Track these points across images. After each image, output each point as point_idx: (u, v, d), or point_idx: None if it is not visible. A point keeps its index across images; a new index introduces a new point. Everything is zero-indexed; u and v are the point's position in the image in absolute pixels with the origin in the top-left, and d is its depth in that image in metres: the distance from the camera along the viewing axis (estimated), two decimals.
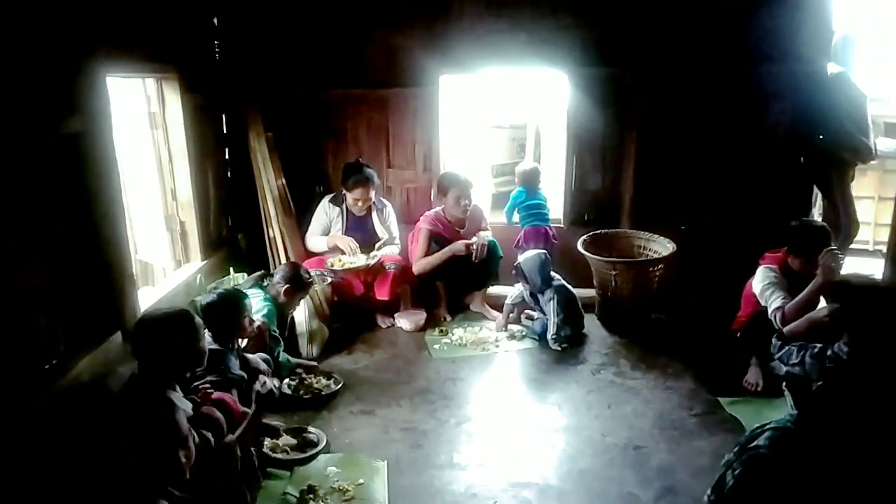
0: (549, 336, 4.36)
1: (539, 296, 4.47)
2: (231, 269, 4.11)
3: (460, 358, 4.27)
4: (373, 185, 4.70)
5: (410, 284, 4.86)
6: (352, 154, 5.20)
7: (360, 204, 4.68)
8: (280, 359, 3.69)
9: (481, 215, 5.02)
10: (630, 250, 4.91)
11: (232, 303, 3.26)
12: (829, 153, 4.93)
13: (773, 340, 3.22)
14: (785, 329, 3.26)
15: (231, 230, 4.93)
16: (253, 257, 4.84)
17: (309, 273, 4.00)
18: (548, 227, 5.05)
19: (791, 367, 3.04)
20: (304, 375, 3.84)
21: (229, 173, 4.96)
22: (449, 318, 4.85)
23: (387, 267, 4.65)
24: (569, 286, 4.52)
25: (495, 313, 4.81)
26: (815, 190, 5.20)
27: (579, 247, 4.74)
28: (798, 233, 3.64)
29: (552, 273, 4.49)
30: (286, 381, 3.75)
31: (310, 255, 4.82)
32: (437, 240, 4.72)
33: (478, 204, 4.99)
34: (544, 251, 4.48)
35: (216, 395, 2.76)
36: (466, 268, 4.75)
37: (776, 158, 5.00)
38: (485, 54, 4.93)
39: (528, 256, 4.44)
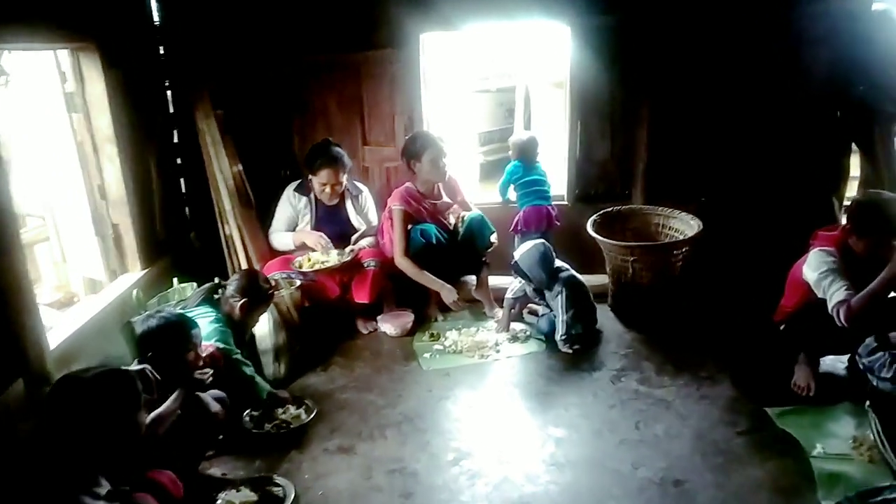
0: (558, 337, 3.72)
1: (546, 291, 3.82)
2: (175, 279, 3.42)
3: (455, 369, 3.63)
4: (343, 167, 4.02)
5: (393, 280, 4.20)
6: (321, 131, 4.51)
7: (327, 190, 4.00)
8: (256, 384, 3.09)
9: (457, 185, 4.34)
10: (647, 229, 4.26)
11: (173, 333, 2.62)
12: (870, 105, 4.30)
13: (868, 341, 2.58)
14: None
15: (180, 229, 4.23)
16: (209, 260, 4.16)
17: (269, 282, 3.33)
18: (550, 207, 4.38)
19: (881, 380, 2.40)
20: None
21: (179, 161, 4.25)
22: (441, 318, 4.21)
23: (365, 264, 3.98)
24: (578, 276, 3.86)
25: (497, 310, 4.16)
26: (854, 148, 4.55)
27: (589, 229, 4.07)
28: (863, 209, 2.98)
29: (557, 263, 3.82)
30: (246, 414, 3.10)
31: (275, 253, 4.14)
32: (414, 221, 4.06)
33: (452, 175, 4.31)
34: (542, 241, 3.80)
35: (151, 473, 2.13)
36: (453, 253, 4.09)
37: (810, 114, 4.34)
38: (472, 7, 4.20)
39: (525, 252, 3.77)
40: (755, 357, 3.48)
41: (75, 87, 3.33)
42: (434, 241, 3.97)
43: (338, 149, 4.02)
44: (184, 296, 3.34)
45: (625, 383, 3.40)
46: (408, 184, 4.14)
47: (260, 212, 4.26)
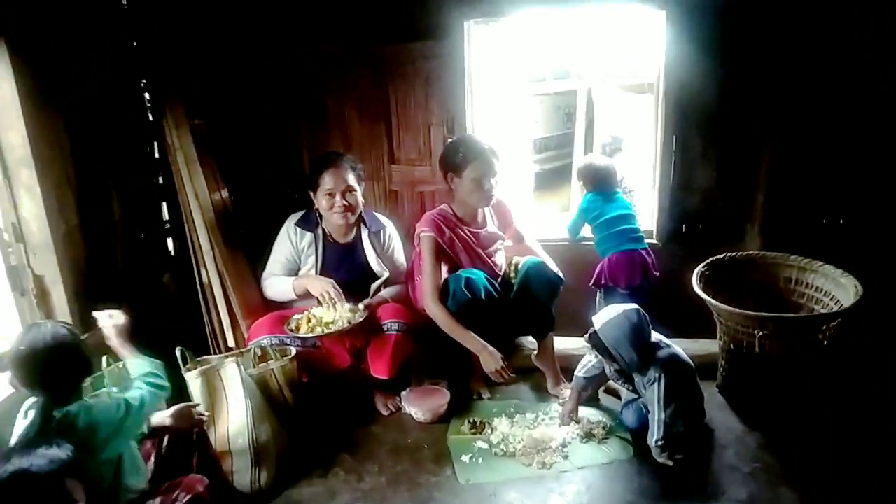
0: (652, 441, 2.60)
1: (635, 375, 2.72)
2: (105, 358, 2.42)
3: (504, 484, 2.56)
4: (350, 166, 3.06)
5: (425, 341, 3.16)
6: (337, 145, 3.52)
7: (338, 206, 2.99)
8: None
9: (509, 213, 3.29)
10: (774, 285, 3.12)
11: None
12: None
13: None
14: None
15: (153, 271, 3.26)
16: (186, 312, 3.19)
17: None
18: (645, 252, 3.28)
19: None
20: None
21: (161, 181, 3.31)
22: (487, 395, 3.15)
23: (384, 327, 2.95)
24: (681, 353, 2.74)
25: (564, 387, 3.09)
26: None
27: (696, 286, 2.95)
28: None
29: (654, 337, 2.72)
30: None
31: (269, 306, 3.15)
32: (447, 256, 3.04)
33: (503, 200, 3.27)
34: (634, 308, 2.68)
35: None
36: (506, 306, 3.03)
37: None
38: None
39: (610, 322, 2.66)
40: None
41: None
42: (483, 296, 2.92)
43: (348, 156, 3.14)
44: (119, 380, 2.36)
45: None
46: (443, 205, 3.12)
47: (254, 252, 3.27)
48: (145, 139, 3.23)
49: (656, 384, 2.62)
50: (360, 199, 3.07)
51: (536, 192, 8.47)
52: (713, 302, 2.83)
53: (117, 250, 3.07)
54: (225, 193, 3.19)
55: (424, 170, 3.56)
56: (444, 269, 3.07)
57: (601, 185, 3.36)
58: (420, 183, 3.58)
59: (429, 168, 3.55)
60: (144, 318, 3.01)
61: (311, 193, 3.05)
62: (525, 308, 3.06)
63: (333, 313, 2.91)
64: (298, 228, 3.09)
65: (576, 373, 2.93)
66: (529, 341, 3.36)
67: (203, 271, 3.03)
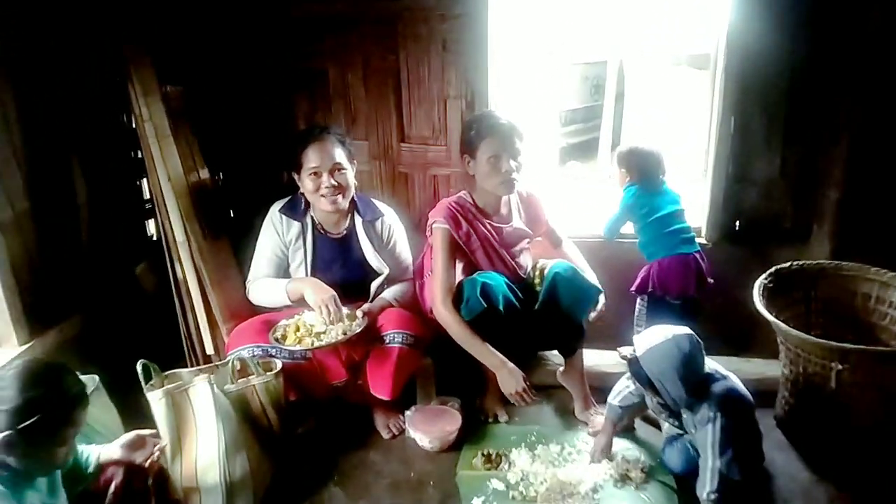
0: (703, 493, 2.13)
1: (683, 411, 2.26)
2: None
3: None
4: (337, 140, 2.60)
5: (436, 351, 2.73)
6: (340, 119, 3.04)
7: (325, 185, 2.53)
8: None
9: (540, 207, 2.83)
10: (848, 302, 2.63)
11: None
12: None
13: None
14: None
15: (122, 262, 2.83)
16: (163, 312, 2.77)
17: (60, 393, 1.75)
18: (699, 256, 2.80)
19: None
20: None
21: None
22: (505, 418, 2.72)
23: (387, 339, 2.51)
24: (739, 386, 2.27)
25: (594, 413, 2.66)
26: None
27: (757, 301, 2.46)
28: None
29: (709, 368, 2.25)
30: None
31: (257, 308, 2.71)
32: (462, 253, 2.61)
33: (533, 191, 2.82)
34: (688, 335, 2.19)
35: None
36: (529, 318, 2.58)
37: None
38: None
39: (656, 349, 2.18)
40: None
41: None
42: (502, 307, 2.47)
43: (334, 127, 2.69)
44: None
45: None
46: (462, 192, 2.66)
47: (242, 242, 2.82)
48: (118, 106, 2.76)
49: (710, 425, 2.16)
50: (352, 181, 2.61)
51: (561, 167, 8.01)
52: (781, 325, 2.35)
53: (82, 238, 2.64)
54: (205, 174, 2.72)
55: (439, 150, 3.07)
56: (459, 267, 2.62)
57: (649, 175, 2.85)
58: (433, 165, 3.10)
59: (444, 148, 3.06)
60: (110, 318, 2.61)
61: (295, 176, 2.60)
62: (551, 321, 2.60)
63: (327, 323, 2.47)
64: (284, 217, 2.64)
65: (609, 400, 2.48)
66: (554, 354, 2.92)
67: (177, 266, 2.59)
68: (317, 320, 2.48)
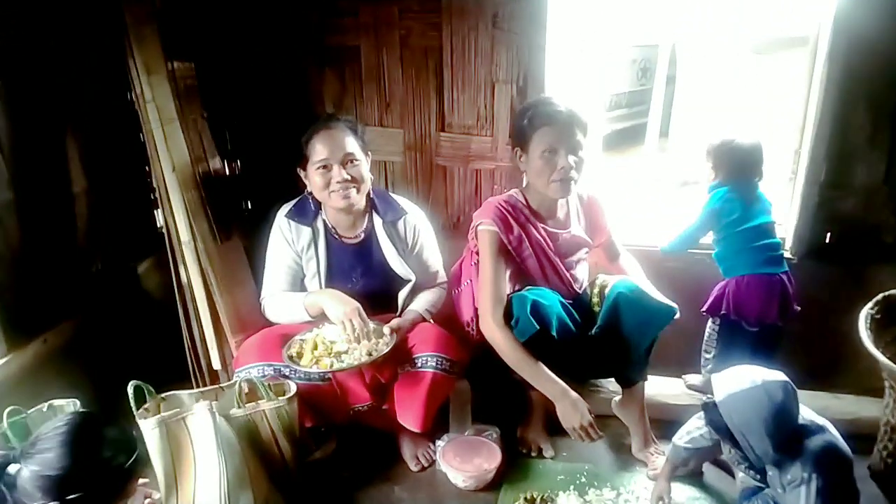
0: None
1: (769, 467, 1.88)
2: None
3: None
4: (354, 134, 2.24)
5: (475, 374, 2.38)
6: (370, 102, 2.70)
7: (335, 174, 2.18)
8: None
9: (600, 212, 2.44)
10: None
11: None
12: None
13: None
14: None
15: (124, 259, 2.52)
16: (169, 315, 2.45)
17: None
18: (786, 277, 2.37)
19: None
20: None
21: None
22: (550, 453, 2.36)
23: (418, 362, 2.16)
24: (838, 441, 1.86)
25: (655, 453, 2.29)
26: None
27: (864, 338, 2.05)
28: None
29: (803, 418, 1.85)
30: None
31: (270, 322, 2.38)
32: (513, 261, 2.23)
33: (595, 194, 2.44)
34: (782, 382, 1.78)
35: None
36: (585, 343, 2.20)
37: None
38: None
39: (741, 395, 1.77)
40: None
41: None
42: (555, 331, 2.10)
43: (343, 115, 2.35)
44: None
45: None
46: (514, 191, 2.30)
47: (259, 241, 2.48)
48: (121, 82, 2.43)
49: (804, 487, 1.78)
50: (367, 174, 2.25)
51: (604, 154, 7.60)
52: (891, 366, 1.94)
53: (77, 233, 2.33)
54: (216, 163, 2.39)
55: (483, 141, 2.70)
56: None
57: (745, 175, 2.36)
58: (476, 158, 2.73)
59: (489, 139, 2.69)
60: (105, 325, 2.30)
61: (302, 173, 2.25)
62: (610, 348, 2.22)
63: (349, 342, 2.13)
64: (292, 223, 2.29)
65: (675, 440, 2.10)
66: (610, 386, 2.56)
67: (181, 268, 2.27)
68: (338, 337, 2.14)
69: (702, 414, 2.03)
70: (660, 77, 7.52)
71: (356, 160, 2.20)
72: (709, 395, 1.91)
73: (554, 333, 2.08)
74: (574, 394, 2.08)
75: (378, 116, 2.75)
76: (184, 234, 2.22)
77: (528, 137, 2.16)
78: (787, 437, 1.79)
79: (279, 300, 2.29)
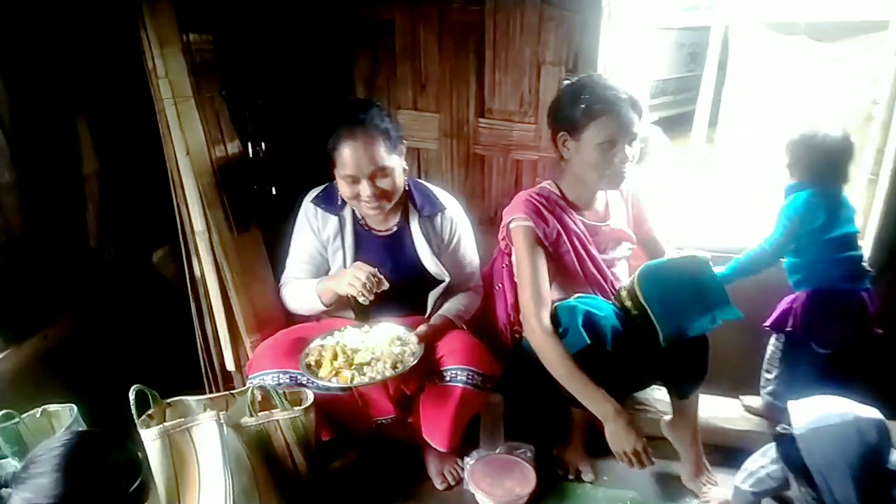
0: None
1: None
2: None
3: None
4: (386, 141, 1.95)
5: (507, 386, 2.17)
6: (407, 84, 2.47)
7: (364, 190, 1.95)
8: None
9: (645, 208, 2.21)
10: None
11: None
12: None
13: None
14: None
15: (138, 247, 2.35)
16: (184, 308, 2.28)
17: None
18: (867, 295, 2.09)
19: None
20: None
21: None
22: (590, 476, 2.14)
23: (447, 375, 1.95)
24: None
25: (708, 484, 2.05)
26: None
27: None
28: None
29: (893, 463, 1.60)
30: None
31: (290, 319, 2.19)
32: (551, 258, 2.01)
33: (635, 188, 2.19)
34: (876, 421, 1.54)
35: None
36: (637, 347, 1.95)
37: None
38: None
39: (826, 428, 1.55)
40: None
41: None
42: (611, 346, 1.86)
43: (374, 111, 1.96)
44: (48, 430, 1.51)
45: None
46: (546, 182, 2.08)
47: (281, 231, 2.28)
48: (137, 58, 2.25)
49: None
50: (400, 181, 2.02)
51: None
52: None
53: (86, 218, 2.16)
54: (234, 147, 2.18)
55: (526, 129, 2.46)
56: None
57: (832, 176, 2.06)
58: (518, 148, 2.49)
59: (533, 127, 2.45)
60: (111, 319, 2.14)
61: (332, 167, 2.02)
62: (664, 355, 1.96)
63: (366, 344, 1.94)
64: (319, 210, 2.08)
65: (737, 483, 1.86)
66: (656, 398, 2.32)
67: (195, 260, 2.09)
68: (361, 345, 1.95)
69: (767, 449, 1.80)
70: (710, 62, 7.17)
71: (387, 174, 1.97)
72: (783, 426, 1.67)
73: (610, 347, 1.85)
74: (627, 415, 1.85)
75: (412, 99, 2.53)
76: (197, 223, 2.03)
77: (582, 126, 1.92)
78: (876, 484, 1.55)
79: (295, 288, 2.11)
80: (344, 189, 1.97)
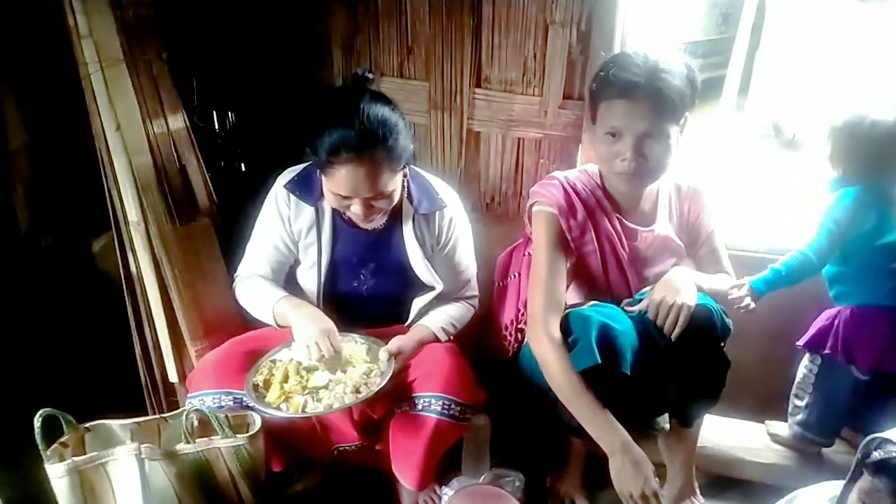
0: None
1: None
2: None
3: None
4: (390, 160, 1.56)
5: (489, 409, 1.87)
6: (390, 45, 2.12)
7: (355, 209, 1.61)
8: None
9: (704, 210, 1.80)
10: None
11: None
12: None
13: None
14: None
15: (75, 233, 2.04)
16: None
17: None
18: None
19: None
20: None
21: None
22: None
23: (419, 404, 1.64)
24: None
25: None
26: None
27: None
28: None
29: None
30: None
31: (239, 325, 1.88)
32: (575, 258, 1.73)
33: (698, 185, 1.80)
34: None
35: None
36: (656, 370, 1.63)
37: None
38: None
39: None
40: None
41: None
42: (629, 369, 1.54)
43: (377, 107, 1.56)
44: None
45: None
46: (588, 165, 1.79)
47: (243, 217, 1.95)
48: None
49: None
50: (398, 194, 1.68)
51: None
52: None
53: (16, 199, 1.86)
54: (177, 121, 1.83)
55: (530, 102, 2.10)
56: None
57: (885, 173, 1.70)
58: (519, 123, 2.14)
59: (537, 100, 2.09)
60: (36, 319, 1.85)
61: (320, 169, 1.64)
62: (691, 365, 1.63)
63: (332, 361, 1.63)
64: (292, 197, 1.74)
65: None
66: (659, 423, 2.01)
67: (128, 254, 1.78)
68: (306, 359, 1.65)
69: (834, 495, 1.46)
70: (745, 25, 6.78)
71: (386, 193, 1.61)
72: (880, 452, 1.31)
73: (627, 370, 1.53)
74: (638, 449, 1.53)
75: (398, 65, 2.17)
76: (131, 212, 1.71)
77: (595, 107, 1.62)
78: None
79: (252, 287, 1.79)
80: (330, 199, 1.63)
